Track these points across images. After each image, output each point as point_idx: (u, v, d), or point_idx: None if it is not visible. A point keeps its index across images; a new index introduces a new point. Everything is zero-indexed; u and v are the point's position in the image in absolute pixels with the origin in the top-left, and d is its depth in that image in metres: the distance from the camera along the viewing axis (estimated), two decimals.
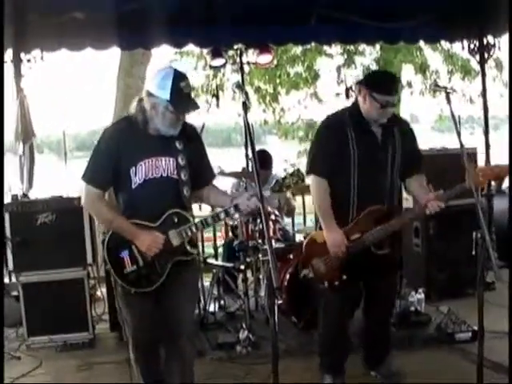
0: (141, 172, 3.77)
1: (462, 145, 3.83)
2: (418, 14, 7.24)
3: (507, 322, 5.92)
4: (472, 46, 8.17)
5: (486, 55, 8.21)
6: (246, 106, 3.38)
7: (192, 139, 3.95)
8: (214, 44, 7.75)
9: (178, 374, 3.96)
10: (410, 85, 14.38)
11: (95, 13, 6.71)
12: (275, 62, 10.70)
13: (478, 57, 8.28)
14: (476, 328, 4.39)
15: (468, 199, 4.01)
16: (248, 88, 14.03)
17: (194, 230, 3.81)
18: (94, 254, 6.06)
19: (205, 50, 10.17)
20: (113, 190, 3.94)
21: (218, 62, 7.94)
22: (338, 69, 14.19)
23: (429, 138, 14.48)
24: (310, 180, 4.54)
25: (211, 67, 8.53)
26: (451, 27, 7.85)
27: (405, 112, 15.69)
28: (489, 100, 8.60)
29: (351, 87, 9.78)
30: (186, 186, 3.84)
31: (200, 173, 3.98)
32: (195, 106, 3.79)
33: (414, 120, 25.15)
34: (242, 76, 8.43)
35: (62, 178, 6.35)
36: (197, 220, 3.88)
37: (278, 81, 14.29)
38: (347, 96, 4.80)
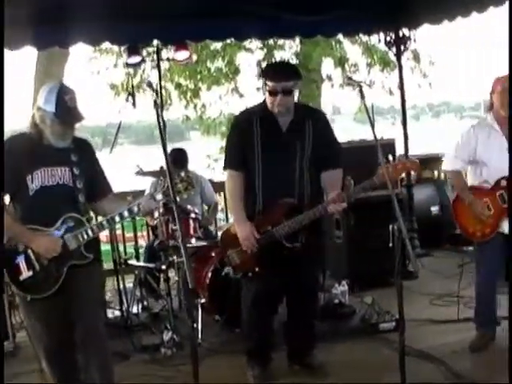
0: (37, 179, 3.89)
1: (376, 139, 3.86)
2: (336, 7, 7.24)
3: (429, 310, 6.07)
4: (388, 38, 8.27)
5: (402, 47, 8.32)
6: (157, 105, 3.52)
7: (86, 153, 4.12)
8: (131, 41, 7.60)
9: (97, 380, 3.91)
10: (329, 78, 14.52)
11: (7, 11, 6.49)
12: (194, 58, 10.63)
13: (394, 49, 8.38)
14: None
15: (387, 190, 4.05)
16: (168, 84, 13.96)
17: (90, 233, 3.90)
18: None
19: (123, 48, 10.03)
20: (9, 199, 4.01)
21: (135, 59, 7.82)
22: (259, 63, 14.15)
23: (351, 129, 14.69)
24: (226, 175, 4.66)
25: (128, 65, 8.39)
26: (368, 20, 7.91)
27: (326, 104, 15.90)
28: (407, 90, 8.74)
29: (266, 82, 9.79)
30: (81, 193, 3.98)
31: (96, 186, 4.13)
32: (80, 118, 3.94)
33: (336, 112, 25.56)
34: (160, 73, 8.36)
35: None
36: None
37: (198, 76, 14.18)
38: (264, 92, 4.80)
